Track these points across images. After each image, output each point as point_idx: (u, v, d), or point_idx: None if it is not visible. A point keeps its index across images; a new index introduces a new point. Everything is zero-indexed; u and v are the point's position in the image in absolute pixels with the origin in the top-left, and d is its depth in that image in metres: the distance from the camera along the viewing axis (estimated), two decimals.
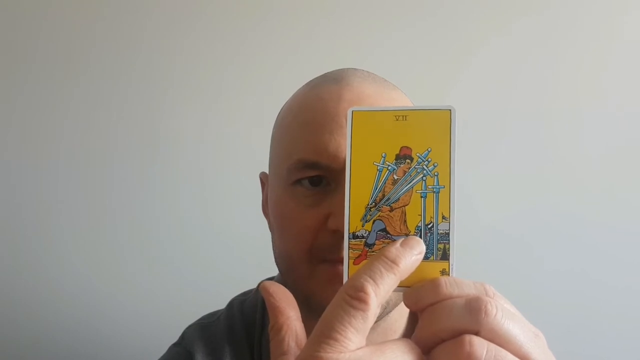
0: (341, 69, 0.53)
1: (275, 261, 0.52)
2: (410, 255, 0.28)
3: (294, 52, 0.92)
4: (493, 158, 0.92)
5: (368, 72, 0.52)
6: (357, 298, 0.26)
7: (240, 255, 0.91)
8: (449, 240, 0.31)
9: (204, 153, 0.92)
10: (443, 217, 0.31)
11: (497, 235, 0.91)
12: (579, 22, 0.92)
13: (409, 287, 0.31)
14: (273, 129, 0.54)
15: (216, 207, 0.92)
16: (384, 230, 0.31)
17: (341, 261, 0.43)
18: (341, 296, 0.26)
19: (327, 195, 0.45)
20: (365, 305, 0.26)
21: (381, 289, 0.27)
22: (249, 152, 0.90)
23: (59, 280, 0.91)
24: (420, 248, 0.29)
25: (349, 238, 0.32)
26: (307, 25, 0.92)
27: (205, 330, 0.57)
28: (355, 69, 0.52)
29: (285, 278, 0.51)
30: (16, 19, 0.91)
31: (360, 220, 0.32)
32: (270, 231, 0.53)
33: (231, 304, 0.60)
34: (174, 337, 0.59)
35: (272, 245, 0.52)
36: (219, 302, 0.63)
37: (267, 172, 0.56)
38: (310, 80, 0.53)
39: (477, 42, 0.93)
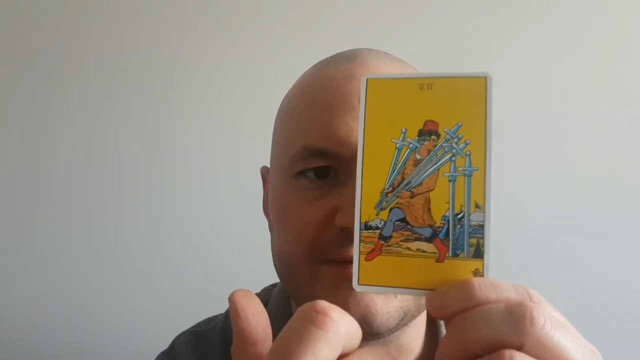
0: (355, 48, 0.47)
1: (274, 265, 0.45)
2: None
3: (294, 52, 0.89)
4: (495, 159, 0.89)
5: (385, 52, 0.47)
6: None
7: (241, 257, 0.87)
8: (483, 234, 0.25)
9: (204, 154, 0.90)
10: (476, 206, 0.25)
11: (497, 236, 0.87)
12: (579, 23, 0.89)
13: (432, 289, 0.26)
14: (276, 117, 0.48)
15: (216, 207, 0.89)
16: (403, 220, 0.26)
17: (349, 262, 0.37)
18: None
19: (334, 188, 0.39)
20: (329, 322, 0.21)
21: None
22: (249, 153, 0.87)
23: (58, 281, 0.89)
24: None
25: (361, 229, 0.27)
26: (308, 25, 0.90)
27: (199, 340, 0.52)
28: (370, 48, 0.47)
29: (285, 284, 0.45)
30: (17, 20, 0.90)
31: (374, 208, 0.26)
32: (270, 232, 0.47)
33: (229, 312, 0.54)
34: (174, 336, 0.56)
35: (271, 247, 0.46)
36: (220, 304, 0.58)
37: (269, 166, 0.50)
38: (321, 61, 0.47)
39: (477, 42, 0.90)
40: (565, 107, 0.89)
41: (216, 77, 0.90)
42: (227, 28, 0.89)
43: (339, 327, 0.21)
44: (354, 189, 0.36)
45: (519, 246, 0.87)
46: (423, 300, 0.40)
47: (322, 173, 0.40)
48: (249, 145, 0.87)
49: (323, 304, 0.22)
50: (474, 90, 0.26)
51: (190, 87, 0.89)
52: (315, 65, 0.47)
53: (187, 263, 0.88)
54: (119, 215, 0.89)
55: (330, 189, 0.39)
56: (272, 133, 0.49)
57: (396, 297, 0.38)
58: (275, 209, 0.44)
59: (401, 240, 0.26)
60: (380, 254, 0.26)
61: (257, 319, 0.24)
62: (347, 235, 0.37)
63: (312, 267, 0.40)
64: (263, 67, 0.89)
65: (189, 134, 0.90)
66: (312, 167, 0.40)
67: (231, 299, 0.24)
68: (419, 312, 0.41)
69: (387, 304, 0.38)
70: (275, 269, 0.45)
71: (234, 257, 0.87)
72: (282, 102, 0.48)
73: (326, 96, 0.40)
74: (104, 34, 0.90)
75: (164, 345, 0.55)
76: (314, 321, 0.21)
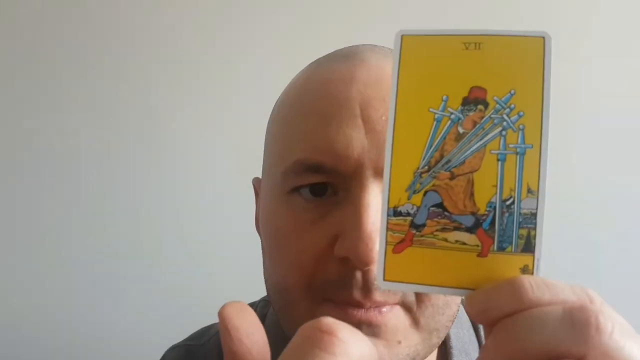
0: (355, 45, 0.40)
1: (267, 294, 0.40)
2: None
3: (295, 52, 0.86)
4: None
5: (390, 48, 0.41)
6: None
7: (244, 258, 0.85)
8: (535, 225, 0.21)
9: (204, 156, 0.89)
10: (529, 191, 0.21)
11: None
12: (579, 21, 0.88)
13: (473, 289, 0.22)
14: (268, 123, 0.43)
15: (217, 208, 0.88)
16: (440, 205, 0.22)
17: (352, 304, 0.32)
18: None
19: (333, 208, 0.34)
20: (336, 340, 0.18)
21: None
22: (248, 157, 0.85)
23: (54, 281, 0.88)
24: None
25: (388, 215, 0.22)
26: (309, 25, 0.88)
27: (191, 355, 0.47)
28: (373, 45, 0.41)
29: (280, 318, 0.39)
30: (15, 17, 0.89)
31: (406, 191, 0.22)
32: (262, 254, 0.41)
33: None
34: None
35: (263, 271, 0.40)
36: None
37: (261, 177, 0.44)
38: (316, 59, 0.41)
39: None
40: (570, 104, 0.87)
41: (215, 78, 0.88)
42: (226, 27, 0.88)
43: (350, 348, 0.18)
44: (355, 210, 0.31)
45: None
46: (434, 340, 0.35)
47: (318, 190, 0.34)
48: (252, 146, 0.86)
49: (328, 321, 0.18)
50: (529, 52, 0.22)
51: (192, 85, 0.88)
52: (310, 65, 0.41)
53: (189, 265, 0.87)
54: (117, 215, 0.88)
55: (329, 208, 0.34)
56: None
57: (400, 343, 0.33)
58: (268, 231, 0.38)
59: (437, 230, 0.22)
60: (411, 245, 0.22)
61: (251, 339, 0.19)
62: (347, 268, 0.32)
63: (310, 306, 0.34)
64: (264, 68, 0.87)
65: (190, 133, 0.88)
66: (307, 183, 0.34)
67: (221, 316, 0.20)
68: (429, 353, 0.36)
69: (390, 352, 0.33)
70: (269, 297, 0.40)
71: (236, 259, 0.84)
72: (274, 107, 0.43)
73: (321, 101, 0.35)
74: (99, 31, 0.89)
75: (158, 349, 0.52)
76: (318, 343, 0.18)
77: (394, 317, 0.32)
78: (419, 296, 0.33)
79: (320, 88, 0.36)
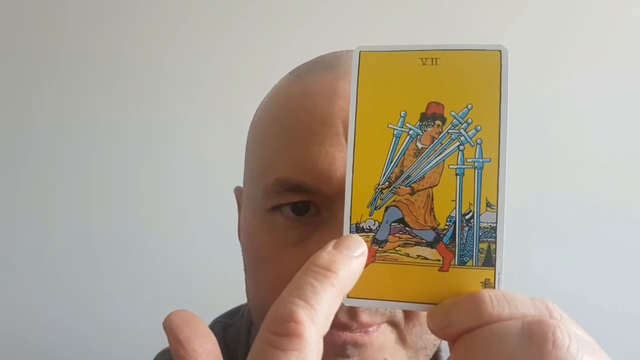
0: (338, 52, 0.39)
1: (250, 310, 0.40)
2: (348, 259, 0.20)
3: (292, 52, 0.85)
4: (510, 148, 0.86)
5: None
6: (285, 334, 0.18)
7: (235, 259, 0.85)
8: (495, 238, 0.21)
9: (208, 156, 0.88)
10: (488, 205, 0.21)
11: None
12: (577, 19, 0.87)
13: (435, 304, 0.22)
14: (248, 133, 0.41)
15: (215, 207, 0.87)
16: (401, 221, 0.22)
17: (338, 327, 0.31)
18: (263, 338, 0.18)
19: (316, 228, 0.33)
20: (300, 339, 0.18)
21: (319, 311, 0.19)
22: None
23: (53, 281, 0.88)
24: (361, 248, 0.21)
25: (351, 232, 0.22)
26: (307, 25, 0.87)
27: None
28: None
29: None
30: (15, 16, 0.89)
31: (367, 207, 0.22)
32: (244, 269, 0.41)
33: (213, 328, 0.48)
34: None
35: (245, 288, 0.39)
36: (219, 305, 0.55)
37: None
38: (298, 67, 0.40)
39: (475, 40, 0.87)
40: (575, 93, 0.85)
41: (211, 77, 0.88)
42: (220, 26, 0.87)
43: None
44: (339, 231, 0.30)
45: (525, 250, 0.83)
46: (421, 358, 0.35)
47: (300, 208, 0.33)
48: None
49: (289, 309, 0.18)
50: (486, 67, 0.22)
51: (188, 87, 0.87)
52: (290, 73, 0.39)
53: (190, 265, 0.86)
54: (115, 214, 0.87)
55: (312, 229, 0.33)
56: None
57: None
58: (249, 250, 0.38)
59: (398, 245, 0.22)
60: (373, 261, 0.22)
61: (205, 348, 0.19)
62: None
63: None
64: (263, 69, 0.85)
65: (194, 134, 0.88)
66: (288, 202, 0.33)
67: (168, 326, 0.19)
68: None
69: None
70: (252, 314, 0.40)
71: (238, 259, 0.85)
72: (253, 117, 0.41)
73: (302, 118, 0.34)
74: (93, 29, 0.88)
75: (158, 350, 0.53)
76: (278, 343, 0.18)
77: (381, 335, 0.32)
78: (407, 314, 0.32)
79: (303, 101, 0.35)
